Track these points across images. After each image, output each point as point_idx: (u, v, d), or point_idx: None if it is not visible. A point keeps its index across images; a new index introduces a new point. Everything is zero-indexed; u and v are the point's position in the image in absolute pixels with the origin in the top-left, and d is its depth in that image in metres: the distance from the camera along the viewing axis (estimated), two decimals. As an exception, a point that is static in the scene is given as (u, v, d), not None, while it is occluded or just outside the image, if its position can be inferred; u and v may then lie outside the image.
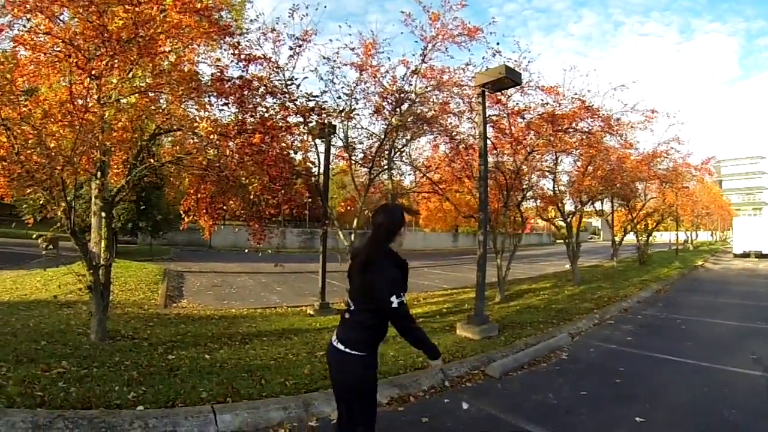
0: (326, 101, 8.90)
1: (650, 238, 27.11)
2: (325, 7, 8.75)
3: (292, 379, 5.43)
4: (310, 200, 9.45)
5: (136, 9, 6.07)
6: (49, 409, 4.22)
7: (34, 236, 7.40)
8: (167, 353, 6.35)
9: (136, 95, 6.96)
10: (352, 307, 3.05)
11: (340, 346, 2.97)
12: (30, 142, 5.97)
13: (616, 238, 23.16)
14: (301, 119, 8.39)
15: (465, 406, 5.24)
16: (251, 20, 8.87)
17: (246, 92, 7.30)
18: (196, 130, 7.01)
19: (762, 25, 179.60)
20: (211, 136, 6.76)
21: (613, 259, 22.60)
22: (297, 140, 8.69)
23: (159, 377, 5.29)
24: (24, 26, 6.10)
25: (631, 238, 25.75)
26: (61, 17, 6.36)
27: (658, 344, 8.07)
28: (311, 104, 8.31)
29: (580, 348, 7.91)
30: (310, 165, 10.38)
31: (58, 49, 6.08)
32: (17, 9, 5.85)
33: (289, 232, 38.33)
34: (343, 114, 9.38)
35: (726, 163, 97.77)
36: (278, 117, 7.80)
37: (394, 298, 2.76)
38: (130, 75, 6.66)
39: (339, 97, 9.43)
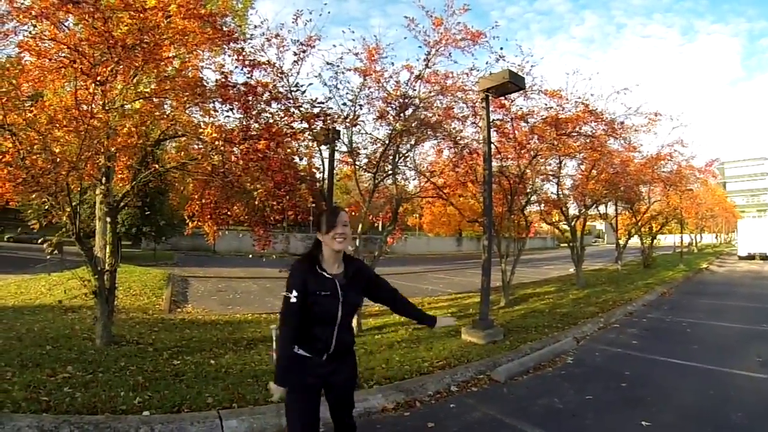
0: (331, 107, 8.88)
1: (654, 241, 27.05)
2: (329, 12, 8.74)
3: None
4: (314, 205, 9.44)
5: (141, 15, 6.09)
6: (54, 414, 4.24)
7: (39, 241, 7.46)
8: (172, 358, 6.37)
9: (141, 101, 6.98)
10: None
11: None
12: (35, 147, 5.99)
13: (621, 242, 23.05)
14: (306, 125, 8.38)
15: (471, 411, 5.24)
16: (255, 26, 8.86)
17: (251, 98, 7.31)
18: (200, 136, 7.02)
19: (764, 26, 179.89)
20: (216, 142, 6.77)
21: (617, 262, 22.47)
22: (302, 146, 8.70)
23: (164, 382, 5.30)
24: (29, 32, 6.13)
25: (635, 241, 25.67)
26: (66, 23, 6.38)
27: (663, 348, 8.03)
28: (316, 110, 8.30)
29: (585, 352, 7.87)
30: (315, 171, 10.34)
31: (63, 54, 6.11)
32: (23, 15, 5.88)
33: (293, 237, 38.23)
34: (348, 120, 9.36)
35: (730, 165, 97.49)
36: (283, 123, 7.80)
37: (285, 291, 2.77)
38: (135, 81, 6.68)
39: (344, 104, 9.42)
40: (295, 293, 2.69)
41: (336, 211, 2.88)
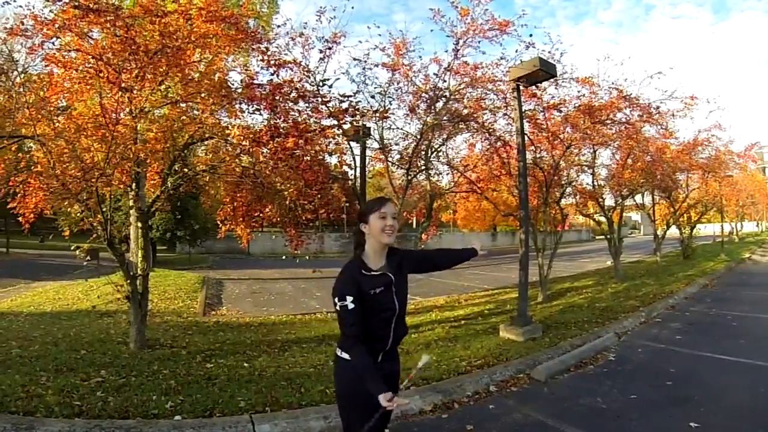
0: (360, 101, 8.79)
1: (693, 230, 26.31)
2: (353, 8, 8.70)
3: (333, 387, 5.28)
4: (347, 204, 9.37)
5: (163, 20, 6.09)
6: (86, 418, 4.24)
7: (72, 248, 7.61)
8: (205, 362, 6.34)
9: (168, 106, 6.98)
10: None
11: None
12: (64, 156, 6.04)
13: (659, 232, 22.48)
14: (335, 121, 8.30)
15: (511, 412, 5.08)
16: (278, 26, 8.82)
17: (277, 97, 7.24)
18: (227, 138, 6.98)
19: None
20: (243, 143, 6.72)
21: (655, 254, 21.94)
22: (331, 143, 8.60)
23: (197, 386, 5.25)
24: (53, 44, 6.19)
25: (673, 231, 25.01)
26: (91, 34, 6.41)
27: (709, 343, 7.70)
28: (344, 105, 8.21)
29: (627, 348, 7.62)
30: (346, 168, 10.29)
31: (90, 65, 6.15)
32: (46, 28, 5.93)
33: (326, 237, 38.49)
34: (377, 114, 9.27)
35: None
36: (311, 120, 7.72)
37: (336, 300, 2.51)
38: (161, 87, 6.68)
39: (372, 97, 9.34)
40: (350, 298, 2.48)
41: (383, 201, 2.74)
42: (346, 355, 2.60)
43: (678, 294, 12.52)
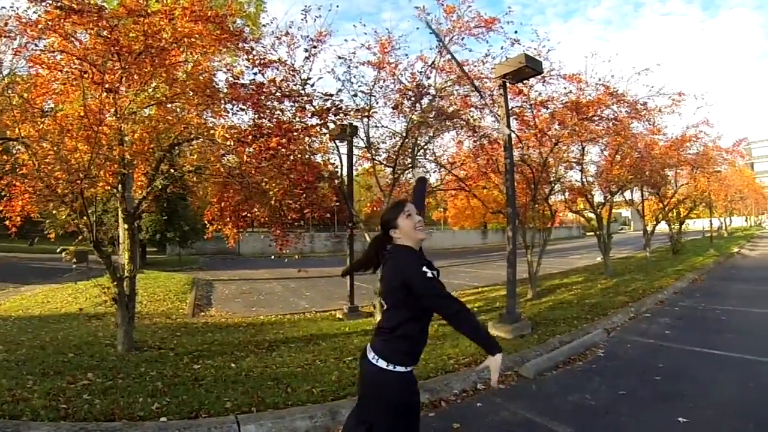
0: (342, 100, 8.75)
1: (683, 226, 26.46)
2: (338, 6, 8.64)
3: (320, 386, 5.31)
4: (337, 204, 9.35)
5: (146, 21, 6.05)
6: (72, 421, 4.22)
7: (57, 250, 7.58)
8: (193, 363, 6.29)
9: (154, 106, 6.94)
10: (385, 307, 2.72)
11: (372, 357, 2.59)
12: (49, 158, 6.00)
13: (648, 228, 22.58)
14: (320, 120, 8.27)
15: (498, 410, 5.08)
16: (264, 24, 8.79)
17: (262, 96, 7.20)
18: (211, 138, 6.95)
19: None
20: (227, 143, 6.68)
21: (645, 249, 22.05)
22: (316, 142, 8.56)
23: (183, 388, 5.22)
24: (36, 45, 6.16)
25: (663, 227, 25.13)
26: (76, 35, 6.37)
27: (697, 337, 7.74)
28: (328, 104, 8.17)
29: (616, 344, 7.64)
30: (332, 167, 10.27)
31: (75, 66, 6.11)
32: (30, 29, 5.89)
33: (316, 237, 38.51)
34: (362, 112, 9.24)
35: (758, 145, 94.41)
36: (296, 120, 7.68)
37: (425, 269, 2.41)
38: (148, 87, 6.64)
39: (355, 95, 9.31)
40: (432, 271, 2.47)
41: (403, 202, 2.75)
42: (401, 368, 2.55)
43: (667, 289, 12.60)
